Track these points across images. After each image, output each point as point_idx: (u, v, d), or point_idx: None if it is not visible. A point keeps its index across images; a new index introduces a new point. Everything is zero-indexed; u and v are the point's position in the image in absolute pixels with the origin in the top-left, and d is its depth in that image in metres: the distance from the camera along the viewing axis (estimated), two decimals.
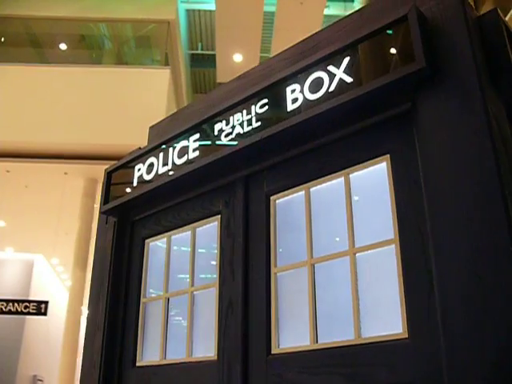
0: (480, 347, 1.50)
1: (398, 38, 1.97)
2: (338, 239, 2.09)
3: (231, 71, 17.24)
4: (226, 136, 2.47)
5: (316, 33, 2.61)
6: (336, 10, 16.50)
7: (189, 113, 3.10)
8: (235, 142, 2.42)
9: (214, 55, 17.54)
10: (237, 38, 15.99)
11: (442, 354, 1.61)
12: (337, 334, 1.98)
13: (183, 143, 2.70)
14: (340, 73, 2.09)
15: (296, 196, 2.31)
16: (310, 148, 2.24)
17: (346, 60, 2.09)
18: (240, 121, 2.43)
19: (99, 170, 11.48)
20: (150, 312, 2.80)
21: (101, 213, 3.07)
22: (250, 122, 2.38)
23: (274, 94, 2.33)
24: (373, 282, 1.93)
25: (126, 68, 13.21)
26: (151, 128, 3.41)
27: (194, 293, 2.59)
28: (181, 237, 2.80)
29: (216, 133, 2.54)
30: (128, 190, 3.00)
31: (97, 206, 12.08)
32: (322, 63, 2.17)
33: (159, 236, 2.89)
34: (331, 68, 2.13)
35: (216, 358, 2.32)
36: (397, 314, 1.81)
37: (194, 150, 2.61)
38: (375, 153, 2.05)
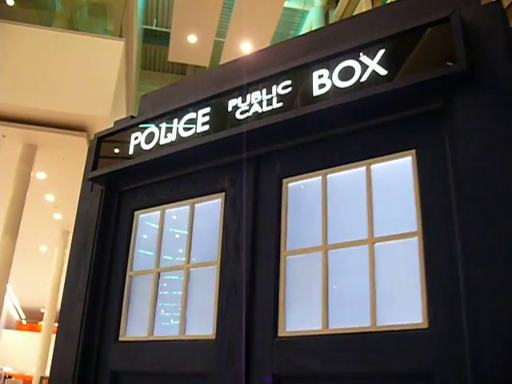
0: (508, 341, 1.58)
1: (437, 38, 2.02)
2: (355, 227, 2.12)
3: (184, 51, 16.96)
4: (242, 113, 2.43)
5: (334, 23, 2.62)
6: (296, 5, 16.64)
7: (190, 86, 3.02)
8: (249, 121, 2.38)
9: (168, 33, 17.14)
10: (194, 19, 15.67)
11: (464, 344, 1.68)
12: (349, 320, 2.01)
13: (190, 115, 2.62)
14: (374, 64, 2.11)
15: (310, 181, 2.32)
16: (332, 134, 2.25)
17: (381, 52, 2.11)
18: (258, 99, 2.40)
19: (39, 135, 10.92)
20: (137, 286, 2.71)
21: (88, 179, 2.92)
22: (270, 102, 2.35)
23: (299, 76, 2.32)
24: (391, 272, 1.98)
25: (78, 34, 12.57)
26: (144, 97, 3.29)
27: (190, 269, 2.53)
28: (175, 211, 2.73)
29: (230, 109, 2.48)
30: (117, 158, 2.88)
31: (33, 173, 11.50)
32: (354, 52, 2.18)
33: (151, 209, 2.80)
34: (364, 58, 2.15)
35: (214, 337, 2.29)
36: (416, 304, 1.87)
37: (204, 124, 2.55)
38: (401, 147, 2.09)
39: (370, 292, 1.97)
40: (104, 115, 10.53)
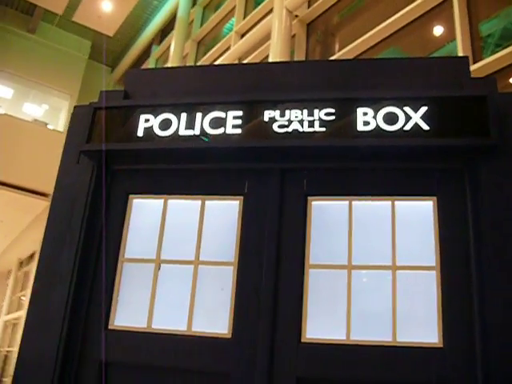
0: None
1: (471, 109, 2.44)
2: (378, 253, 2.44)
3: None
4: (281, 127, 2.54)
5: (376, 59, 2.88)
6: None
7: (195, 77, 2.97)
8: (287, 137, 2.52)
9: None
10: None
11: (476, 363, 2.14)
12: (370, 334, 2.33)
13: (218, 114, 2.63)
14: (417, 117, 2.45)
15: (335, 203, 2.56)
16: (364, 167, 2.53)
17: (424, 109, 2.46)
18: (299, 118, 2.54)
19: None
20: (131, 274, 2.63)
21: (81, 151, 2.70)
22: (311, 124, 2.52)
23: (342, 108, 2.53)
24: (410, 297, 2.36)
25: None
26: (129, 73, 3.11)
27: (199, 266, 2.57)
28: (178, 204, 2.71)
29: (266, 119, 2.58)
30: (116, 135, 2.73)
31: None
32: (399, 102, 2.49)
33: (151, 196, 2.73)
34: (407, 109, 2.47)
35: (231, 336, 2.39)
36: (432, 326, 2.28)
37: (235, 127, 2.59)
38: (423, 192, 2.48)
39: (392, 312, 2.32)
40: None
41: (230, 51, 12.24)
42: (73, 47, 14.84)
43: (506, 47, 7.41)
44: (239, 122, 2.60)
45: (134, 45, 15.31)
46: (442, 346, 2.23)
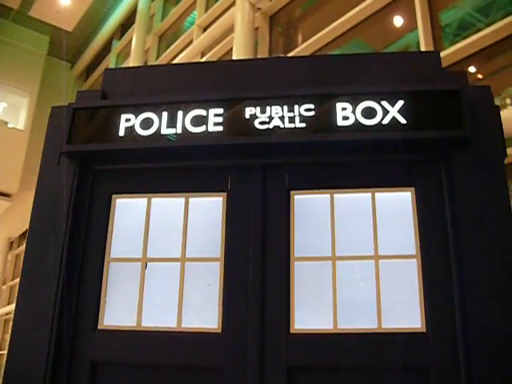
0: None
1: (446, 103, 2.54)
2: (360, 244, 2.53)
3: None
4: (262, 124, 2.59)
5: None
6: None
7: (175, 74, 2.98)
8: (269, 133, 2.57)
9: None
10: None
11: (457, 345, 2.25)
12: (356, 322, 2.41)
13: (199, 112, 2.65)
14: (394, 111, 2.53)
15: (317, 196, 2.63)
16: (343, 161, 2.61)
17: (400, 103, 2.55)
18: (280, 115, 2.59)
19: None
20: (117, 273, 2.63)
21: (63, 153, 2.68)
22: (292, 120, 2.57)
23: (321, 103, 2.60)
24: (393, 285, 2.45)
25: None
26: (108, 71, 3.09)
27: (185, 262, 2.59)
28: (161, 202, 2.73)
29: (247, 116, 2.61)
30: (96, 135, 2.72)
31: None
32: (376, 96, 2.57)
33: (135, 195, 2.73)
34: (385, 104, 2.55)
35: (220, 330, 2.44)
36: (415, 312, 2.38)
37: (216, 124, 2.62)
38: (402, 183, 2.57)
39: (377, 300, 2.41)
40: None
41: (193, 45, 12.20)
42: (31, 43, 14.46)
43: (464, 38, 7.66)
44: (220, 119, 2.63)
45: (93, 40, 15.05)
46: (424, 330, 2.34)
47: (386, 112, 2.54)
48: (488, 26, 7.26)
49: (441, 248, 2.43)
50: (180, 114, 2.67)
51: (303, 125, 2.57)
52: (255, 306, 2.44)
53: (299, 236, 2.58)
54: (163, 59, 13.37)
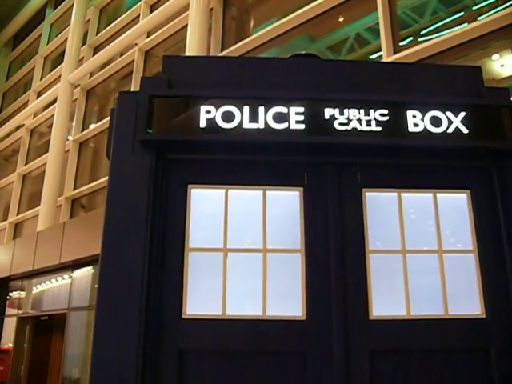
0: None
1: (497, 116, 2.87)
2: (424, 239, 2.80)
3: None
4: (341, 125, 2.76)
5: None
6: None
7: (239, 68, 3.04)
8: (347, 134, 2.75)
9: None
10: None
11: None
12: (425, 309, 2.69)
13: (280, 109, 2.76)
14: (457, 121, 2.82)
15: (385, 194, 2.86)
16: (411, 163, 2.86)
17: (462, 114, 2.84)
18: (357, 117, 2.78)
19: None
20: (197, 263, 2.68)
21: (140, 140, 2.66)
22: (369, 123, 2.77)
23: (394, 109, 2.82)
24: (455, 276, 2.75)
25: None
26: (167, 58, 3.08)
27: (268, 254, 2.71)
28: (239, 193, 2.81)
29: (327, 117, 2.77)
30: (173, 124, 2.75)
31: None
32: (442, 107, 2.83)
33: (211, 186, 2.79)
34: (449, 114, 2.83)
35: (305, 318, 2.60)
36: (475, 300, 2.70)
37: (298, 122, 2.75)
38: (459, 186, 2.88)
39: (442, 289, 2.71)
40: None
41: (142, 23, 11.83)
42: None
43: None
44: (302, 117, 2.76)
45: (24, 7, 14.01)
46: (484, 316, 2.67)
47: (450, 122, 2.82)
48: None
49: (495, 243, 2.76)
50: (261, 109, 2.76)
51: (379, 128, 2.78)
52: (338, 294, 2.63)
53: (371, 230, 2.79)
54: (105, 34, 12.86)
